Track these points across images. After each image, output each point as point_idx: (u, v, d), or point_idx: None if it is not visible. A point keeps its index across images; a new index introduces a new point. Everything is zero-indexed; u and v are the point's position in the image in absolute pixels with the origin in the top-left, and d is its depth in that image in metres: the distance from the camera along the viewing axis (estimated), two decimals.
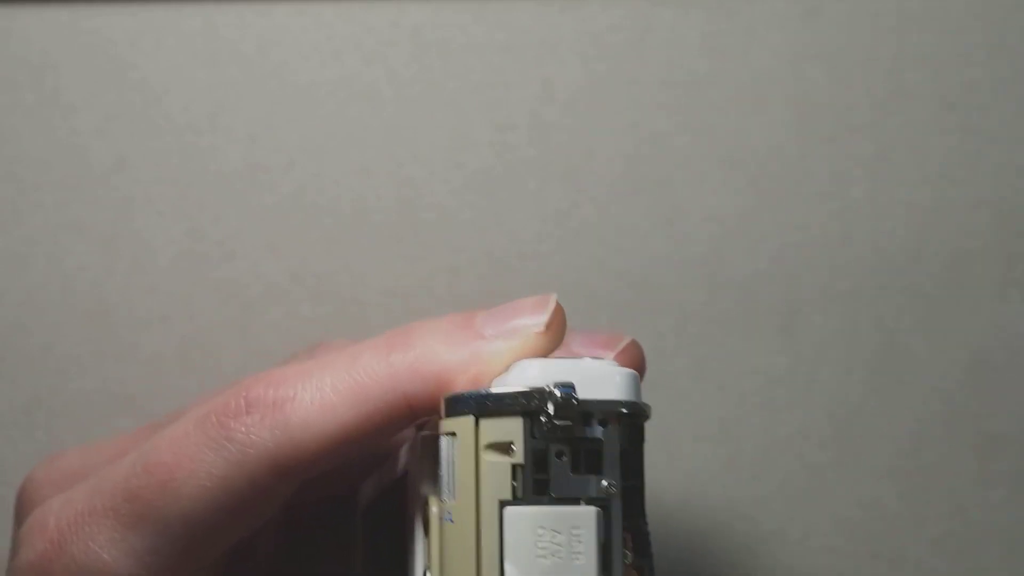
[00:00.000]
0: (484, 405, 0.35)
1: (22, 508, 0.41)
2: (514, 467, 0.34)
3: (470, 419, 0.35)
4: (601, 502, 0.35)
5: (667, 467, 0.52)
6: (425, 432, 0.38)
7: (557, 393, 0.34)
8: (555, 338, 0.37)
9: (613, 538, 0.35)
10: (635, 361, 0.39)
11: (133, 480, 0.37)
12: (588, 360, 0.36)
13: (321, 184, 0.50)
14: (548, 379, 0.35)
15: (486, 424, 0.35)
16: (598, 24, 0.51)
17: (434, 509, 0.36)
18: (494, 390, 0.35)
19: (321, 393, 0.36)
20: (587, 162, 0.51)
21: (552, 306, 0.37)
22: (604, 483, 0.35)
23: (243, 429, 0.36)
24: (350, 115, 0.50)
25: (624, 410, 0.35)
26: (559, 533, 0.34)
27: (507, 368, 0.36)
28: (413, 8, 0.50)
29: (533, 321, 0.37)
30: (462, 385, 0.36)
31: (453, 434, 0.35)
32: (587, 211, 0.51)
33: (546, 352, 0.37)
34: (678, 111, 0.51)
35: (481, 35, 0.51)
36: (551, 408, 0.34)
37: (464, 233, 0.51)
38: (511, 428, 0.35)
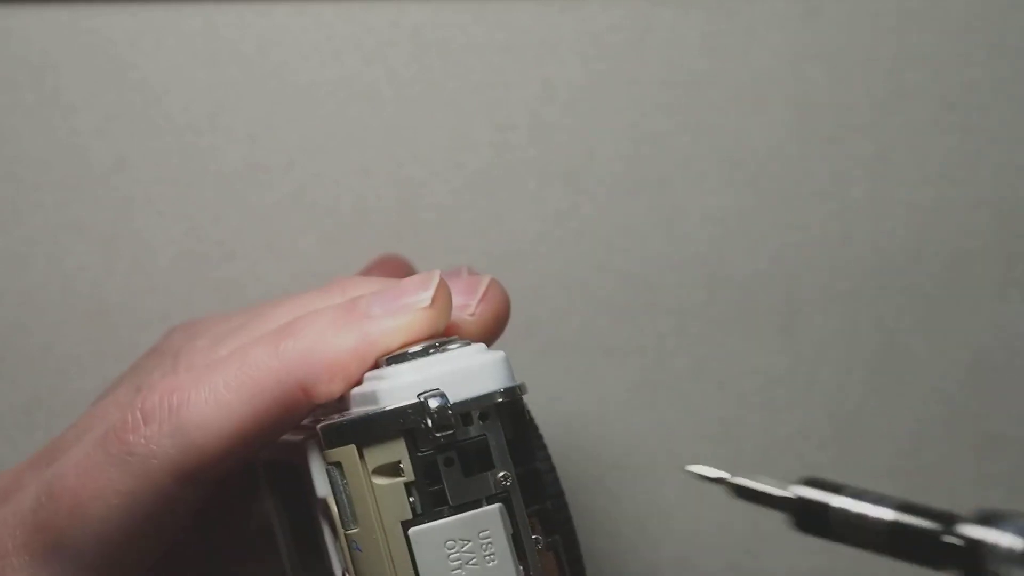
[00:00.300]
0: (363, 432, 0.34)
1: None
2: (407, 485, 0.34)
3: (352, 448, 0.35)
4: (500, 496, 0.35)
5: (667, 467, 0.52)
6: (304, 435, 0.37)
7: (432, 405, 0.34)
8: (441, 313, 0.37)
9: (521, 528, 0.35)
10: (497, 304, 0.39)
11: (40, 511, 0.37)
12: (454, 350, 0.36)
13: (321, 184, 0.50)
14: (419, 387, 0.34)
15: (369, 452, 0.34)
16: (598, 24, 0.51)
17: (338, 524, 0.36)
18: (369, 413, 0.35)
19: (215, 393, 0.36)
20: (587, 162, 0.51)
21: (436, 282, 0.37)
22: (499, 476, 0.35)
23: (143, 441, 0.36)
24: (350, 115, 0.50)
25: (500, 399, 0.35)
26: (468, 541, 0.34)
27: (395, 348, 0.36)
28: (413, 8, 0.50)
29: (418, 298, 0.37)
30: (355, 368, 0.36)
31: (338, 464, 0.35)
32: (587, 211, 0.51)
33: (434, 327, 0.37)
34: (678, 111, 0.51)
35: (481, 35, 0.51)
36: (429, 423, 0.34)
37: (464, 233, 0.51)
38: (395, 449, 0.34)
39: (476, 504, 0.34)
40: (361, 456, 0.34)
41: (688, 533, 0.52)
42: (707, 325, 0.52)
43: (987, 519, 0.29)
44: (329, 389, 0.36)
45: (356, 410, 0.36)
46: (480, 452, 0.35)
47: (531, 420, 0.37)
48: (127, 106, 0.50)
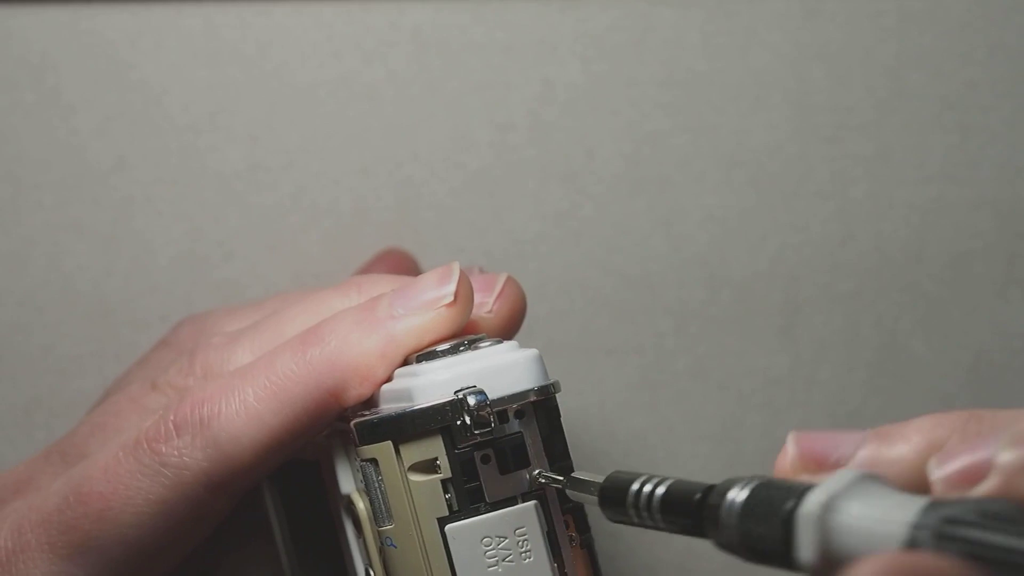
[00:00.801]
0: (399, 429, 0.35)
1: None
2: (443, 482, 0.34)
3: (388, 445, 0.35)
4: (536, 493, 0.35)
5: (667, 467, 0.52)
6: (326, 432, 0.38)
7: (471, 402, 0.34)
8: (464, 308, 0.37)
9: (556, 525, 0.35)
10: (514, 301, 0.39)
11: (67, 512, 0.37)
12: (486, 348, 0.36)
13: (321, 184, 0.50)
14: (454, 384, 0.34)
15: (406, 447, 0.35)
16: (598, 24, 0.51)
17: (365, 520, 0.36)
18: (406, 410, 0.35)
19: (246, 405, 0.36)
20: (587, 162, 0.51)
21: (456, 275, 0.37)
22: (535, 473, 0.35)
23: (176, 453, 0.36)
24: (350, 115, 0.50)
25: (536, 397, 0.35)
26: (504, 538, 0.34)
27: (419, 350, 0.36)
28: (413, 8, 0.50)
29: (440, 293, 0.37)
30: (383, 370, 0.36)
31: (374, 460, 0.35)
32: (587, 211, 0.51)
33: (458, 323, 0.37)
34: (678, 111, 0.51)
35: (481, 35, 0.51)
36: (468, 420, 0.34)
37: (464, 233, 0.51)
38: (432, 446, 0.34)
39: (512, 501, 0.35)
40: (397, 452, 0.35)
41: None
42: (707, 325, 0.52)
43: (730, 482, 0.29)
44: (359, 393, 0.36)
45: (388, 407, 0.36)
46: (516, 449, 0.35)
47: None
48: (127, 106, 0.50)
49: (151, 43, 0.50)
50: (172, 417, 0.37)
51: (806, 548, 0.28)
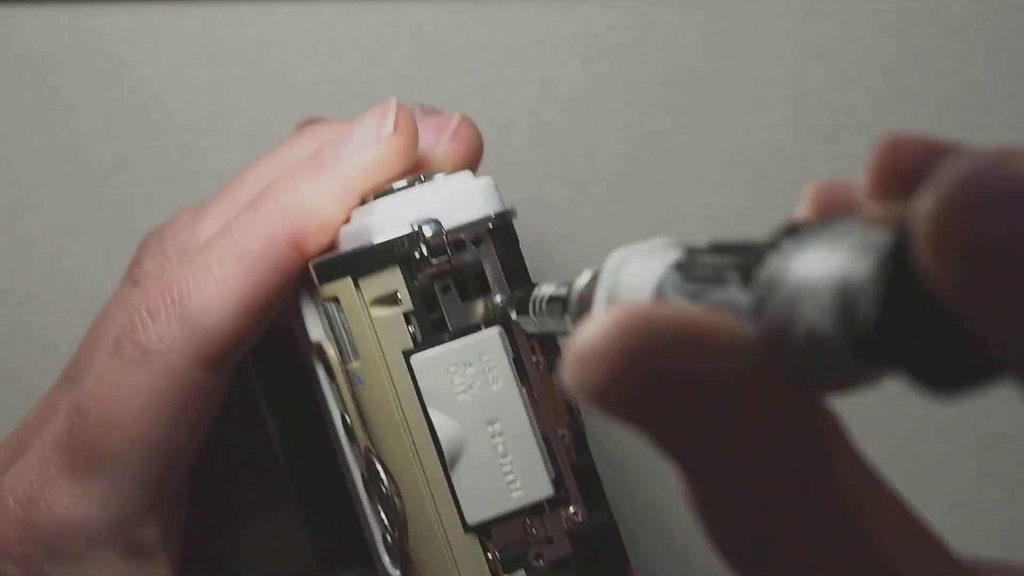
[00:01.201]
0: (358, 264, 0.35)
1: None
2: (406, 315, 0.34)
3: (348, 281, 0.35)
4: (500, 320, 0.35)
5: (667, 467, 0.51)
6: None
7: (427, 232, 0.34)
8: (407, 136, 0.37)
9: (522, 351, 0.35)
10: (470, 139, 0.39)
11: (73, 432, 0.37)
12: (440, 179, 0.36)
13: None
14: (410, 217, 0.34)
15: (365, 282, 0.35)
16: (598, 24, 0.51)
17: (336, 364, 0.36)
18: (362, 246, 0.35)
19: (211, 275, 0.37)
20: (587, 162, 0.51)
21: (393, 107, 0.37)
22: (497, 300, 0.35)
23: (156, 339, 0.37)
24: (350, 115, 0.50)
25: (492, 224, 0.35)
26: (470, 365, 0.34)
27: (369, 196, 0.36)
28: (413, 8, 0.50)
29: (380, 126, 0.37)
30: (338, 213, 0.36)
31: (336, 299, 0.35)
32: (587, 211, 0.51)
33: (405, 154, 0.37)
34: (678, 111, 0.51)
35: (481, 35, 0.51)
36: (424, 250, 0.34)
37: None
38: (392, 279, 0.34)
39: (475, 329, 0.35)
40: (357, 288, 0.35)
41: (688, 533, 0.52)
42: None
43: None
44: (318, 240, 0.37)
45: (347, 247, 0.36)
46: (476, 277, 0.35)
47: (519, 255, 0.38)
48: (127, 106, 0.50)
49: (151, 43, 0.50)
50: (145, 305, 0.37)
51: (597, 303, 0.27)
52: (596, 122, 0.51)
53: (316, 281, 0.35)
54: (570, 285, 0.30)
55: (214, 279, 0.37)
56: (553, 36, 0.51)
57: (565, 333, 0.31)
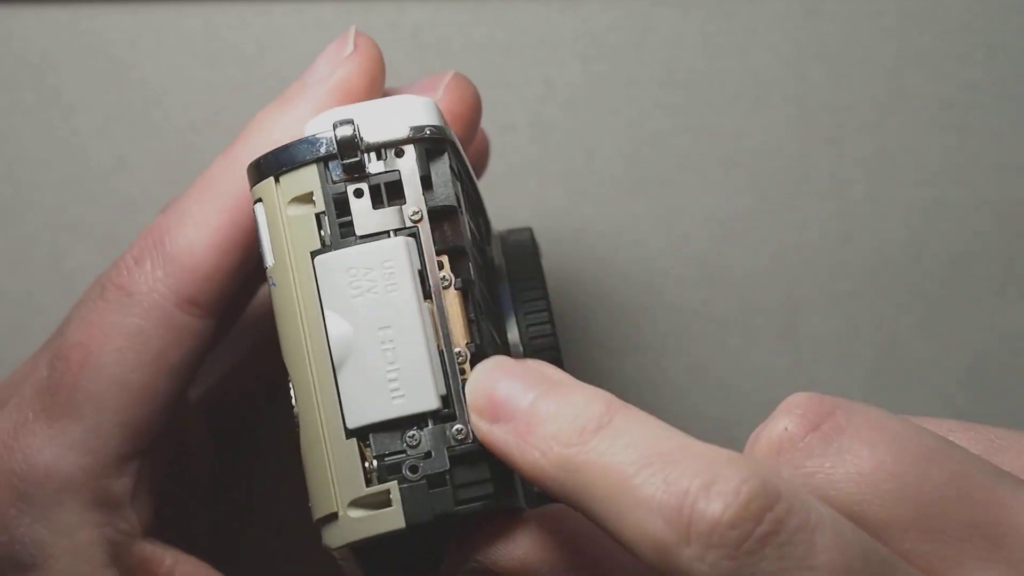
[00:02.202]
0: (278, 162, 0.35)
1: None
2: (318, 216, 0.34)
3: (270, 181, 0.35)
4: (409, 231, 0.35)
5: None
6: None
7: (338, 134, 0.34)
8: (368, 56, 0.38)
9: (428, 263, 0.35)
10: (464, 95, 0.40)
11: (53, 374, 0.37)
12: (390, 98, 0.36)
13: None
14: (333, 121, 0.34)
15: (284, 180, 0.35)
16: (598, 24, 0.51)
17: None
18: (282, 144, 0.35)
19: (189, 215, 0.37)
20: (587, 162, 0.51)
21: (352, 32, 0.38)
22: (410, 211, 0.35)
23: (140, 280, 0.37)
24: None
25: (416, 135, 0.35)
26: (371, 270, 0.34)
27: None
28: (413, 8, 0.50)
29: (340, 51, 0.38)
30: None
31: (260, 200, 0.35)
32: (587, 211, 0.51)
33: (368, 72, 0.37)
34: (678, 111, 0.51)
35: (481, 35, 0.51)
36: (335, 148, 0.34)
37: None
38: (307, 177, 0.34)
39: (383, 236, 0.34)
40: (278, 184, 0.35)
41: None
42: (707, 325, 0.52)
43: None
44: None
45: None
46: (392, 186, 0.35)
47: (540, 272, 0.39)
48: (127, 106, 0.50)
49: (151, 43, 0.50)
50: (130, 252, 0.37)
51: None
52: (596, 122, 0.51)
53: (249, 183, 0.35)
54: None
55: (193, 219, 0.37)
56: (553, 36, 0.51)
57: None
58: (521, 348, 0.39)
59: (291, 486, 0.38)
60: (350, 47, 0.38)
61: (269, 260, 0.35)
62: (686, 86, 0.51)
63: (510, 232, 0.43)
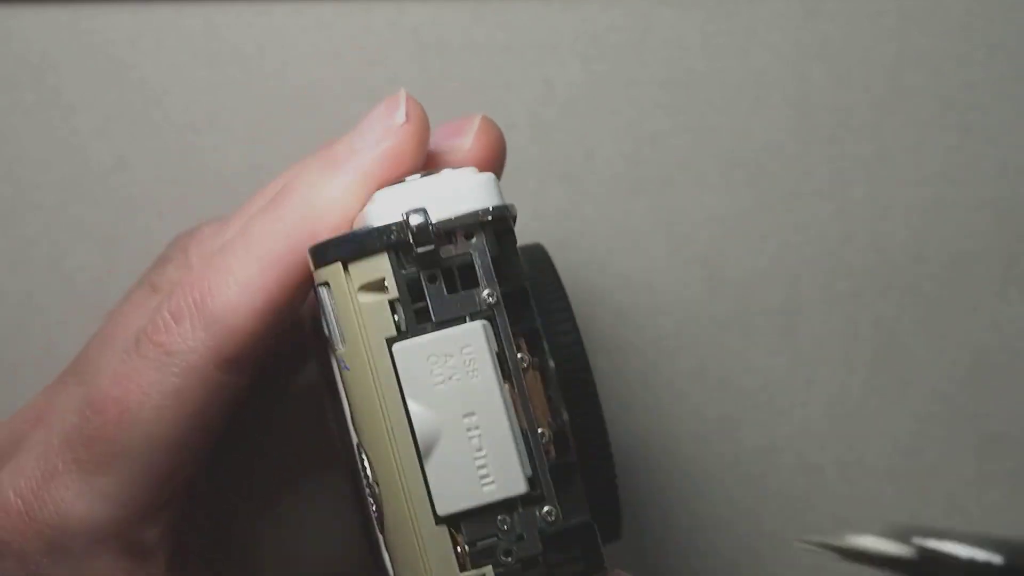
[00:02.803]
0: (347, 249, 0.35)
1: None
2: (391, 303, 0.35)
3: (338, 266, 0.35)
4: (485, 314, 0.35)
5: (667, 467, 0.52)
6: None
7: (413, 221, 0.34)
8: (419, 126, 0.37)
9: (506, 346, 0.35)
10: (492, 139, 0.40)
11: (87, 427, 0.37)
12: (446, 173, 0.36)
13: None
14: (403, 207, 0.35)
15: (354, 268, 0.35)
16: (598, 24, 0.51)
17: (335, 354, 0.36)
18: (353, 231, 0.35)
19: (232, 275, 0.37)
20: (587, 162, 0.51)
21: (403, 98, 0.37)
22: (484, 294, 0.35)
23: (179, 339, 0.37)
24: (350, 115, 0.50)
25: (485, 217, 0.35)
26: (451, 356, 0.34)
27: (385, 180, 0.36)
28: (413, 8, 0.50)
29: (391, 117, 0.37)
30: (354, 206, 0.36)
31: (327, 284, 0.35)
32: (587, 211, 0.51)
33: (417, 141, 0.37)
34: (678, 111, 0.51)
35: (481, 35, 0.51)
36: (411, 238, 0.34)
37: None
38: (379, 265, 0.35)
39: (460, 321, 0.34)
40: (347, 272, 0.35)
41: (688, 533, 0.52)
42: (707, 325, 0.52)
43: None
44: (336, 235, 0.36)
45: None
46: (465, 270, 0.35)
47: (560, 286, 0.39)
48: (127, 106, 0.50)
49: (151, 43, 0.50)
50: (167, 307, 0.37)
51: None
52: (596, 122, 0.51)
53: (311, 265, 0.36)
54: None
55: (236, 280, 0.37)
56: (553, 36, 0.51)
57: None
58: (551, 362, 0.39)
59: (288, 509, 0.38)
60: (402, 116, 0.37)
61: (340, 345, 0.35)
62: (686, 86, 0.51)
63: (522, 249, 0.43)
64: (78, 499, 0.37)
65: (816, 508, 0.52)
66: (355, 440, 0.36)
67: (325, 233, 0.36)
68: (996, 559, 0.31)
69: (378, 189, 0.37)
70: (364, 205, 0.37)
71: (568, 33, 0.51)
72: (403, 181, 0.36)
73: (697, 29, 0.51)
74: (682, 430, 0.52)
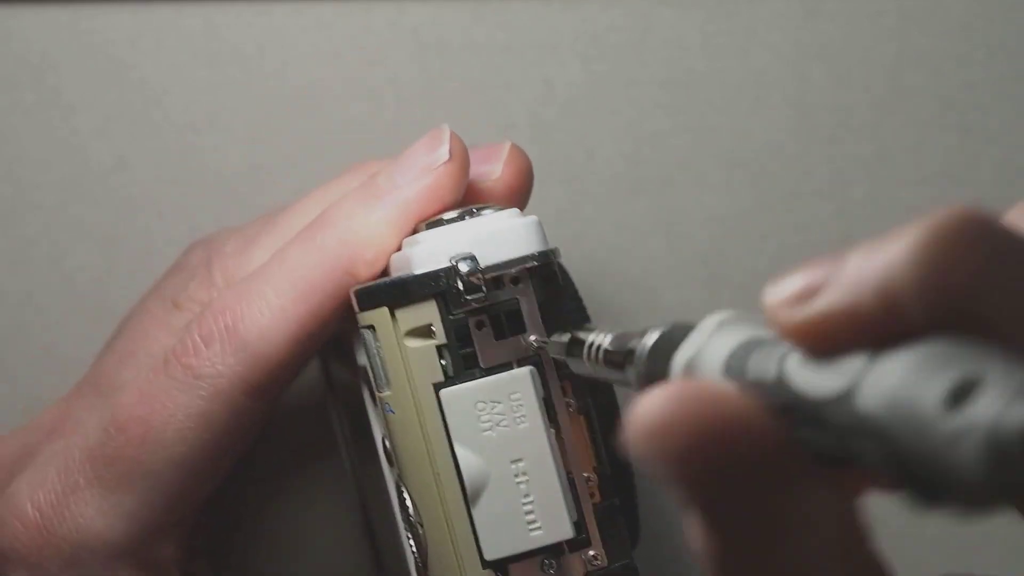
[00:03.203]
0: (395, 295, 0.35)
1: None
2: (438, 348, 0.35)
3: (384, 311, 0.35)
4: (531, 359, 0.35)
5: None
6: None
7: (463, 269, 0.34)
8: (461, 165, 0.37)
9: (552, 391, 0.35)
10: (521, 167, 0.40)
11: (110, 444, 0.37)
12: (489, 215, 0.36)
13: (321, 184, 0.50)
14: (451, 251, 0.34)
15: (402, 313, 0.35)
16: (598, 24, 0.51)
17: (374, 392, 0.36)
18: (401, 276, 0.35)
19: (267, 302, 0.37)
20: (587, 162, 0.51)
21: (447, 134, 0.37)
22: (531, 340, 0.35)
23: (208, 363, 0.37)
24: (350, 115, 0.50)
25: (533, 263, 0.35)
26: (499, 402, 0.34)
27: (419, 224, 0.36)
28: (413, 8, 0.50)
29: (436, 155, 0.37)
30: (392, 241, 0.36)
31: (372, 327, 0.35)
32: (587, 211, 0.51)
33: (458, 181, 0.37)
34: (678, 111, 0.51)
35: (481, 35, 0.51)
36: (460, 286, 0.34)
37: None
38: (427, 312, 0.35)
39: (507, 367, 0.35)
40: (393, 318, 0.35)
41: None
42: None
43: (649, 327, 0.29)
44: (372, 267, 0.37)
45: (395, 275, 0.36)
46: (512, 315, 0.35)
47: (575, 293, 0.38)
48: (127, 106, 0.50)
49: (151, 43, 0.50)
50: (198, 330, 0.37)
51: (674, 368, 0.28)
52: (596, 122, 0.51)
53: (356, 307, 0.35)
54: (635, 341, 0.30)
55: (269, 307, 0.37)
56: (553, 36, 0.51)
57: (622, 383, 0.31)
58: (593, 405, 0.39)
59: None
60: (445, 154, 0.37)
61: (385, 388, 0.35)
62: (686, 86, 0.51)
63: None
64: (98, 516, 0.37)
65: None
66: (393, 473, 0.36)
67: (362, 266, 0.36)
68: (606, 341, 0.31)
69: (416, 224, 0.36)
70: (401, 239, 0.36)
71: (568, 33, 0.51)
72: (442, 218, 0.36)
73: (697, 29, 0.51)
74: None
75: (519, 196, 0.39)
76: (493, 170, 0.39)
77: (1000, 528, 0.53)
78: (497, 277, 0.35)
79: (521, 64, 0.51)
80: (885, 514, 0.53)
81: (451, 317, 0.34)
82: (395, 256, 0.36)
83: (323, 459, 0.44)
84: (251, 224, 0.43)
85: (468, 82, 0.51)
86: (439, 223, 0.36)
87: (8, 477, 0.40)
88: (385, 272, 0.37)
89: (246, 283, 0.37)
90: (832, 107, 0.52)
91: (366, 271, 0.37)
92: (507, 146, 0.39)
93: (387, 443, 0.37)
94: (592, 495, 0.35)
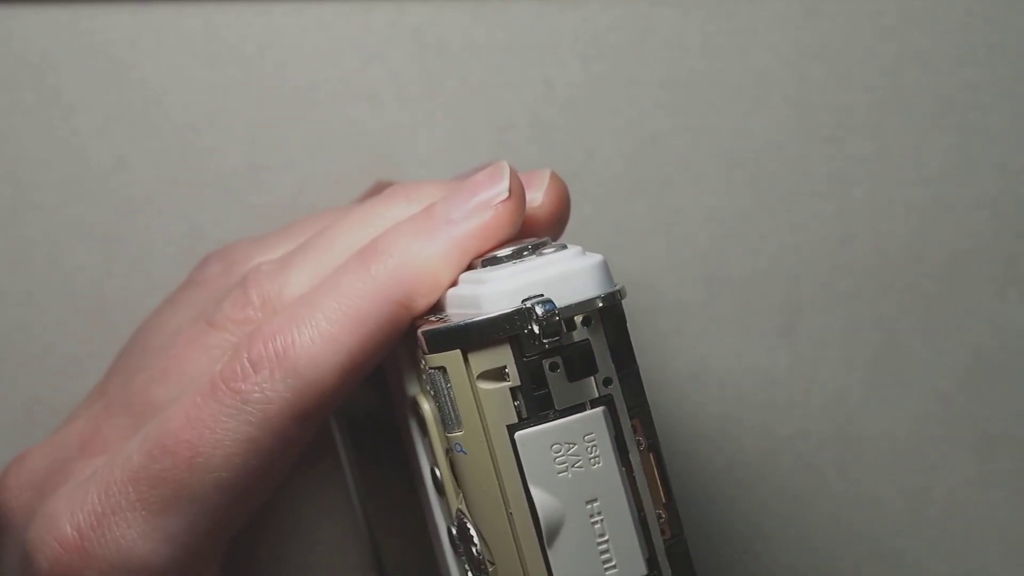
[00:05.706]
0: (468, 338, 0.34)
1: (2, 518, 0.40)
2: (512, 390, 0.34)
3: (457, 353, 0.35)
4: (604, 399, 0.35)
5: (667, 467, 0.52)
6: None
7: (539, 311, 0.34)
8: (519, 203, 0.37)
9: (624, 430, 0.35)
10: (561, 195, 0.39)
11: (155, 466, 0.37)
12: (551, 255, 0.36)
13: (321, 184, 0.50)
14: (522, 292, 0.34)
15: (475, 356, 0.35)
16: (598, 24, 0.51)
17: (431, 422, 0.36)
18: (474, 319, 0.35)
19: (319, 330, 0.36)
20: (587, 162, 0.51)
21: (507, 171, 0.37)
22: (603, 380, 0.35)
23: (257, 389, 0.36)
24: (350, 115, 0.50)
25: (603, 303, 0.35)
26: (574, 444, 0.34)
27: (477, 258, 0.36)
28: (413, 8, 0.50)
29: (494, 191, 0.37)
30: (449, 276, 0.36)
31: (443, 368, 0.35)
32: (587, 211, 0.51)
33: (516, 219, 0.37)
34: (678, 111, 0.51)
35: (481, 35, 0.51)
36: (536, 329, 0.34)
37: None
38: (501, 355, 0.34)
39: (581, 408, 0.34)
40: (466, 361, 0.34)
41: (688, 532, 0.52)
42: (707, 325, 0.52)
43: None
44: (428, 301, 0.36)
45: (454, 311, 0.36)
46: (584, 357, 0.35)
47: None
48: (127, 106, 0.50)
49: (151, 43, 0.50)
50: (246, 355, 0.37)
51: None
52: (596, 122, 0.51)
53: (424, 348, 0.35)
54: None
55: (321, 335, 0.36)
56: (553, 36, 0.51)
57: None
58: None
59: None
60: (504, 192, 0.37)
61: (455, 429, 0.35)
62: (686, 86, 0.51)
63: None
64: (141, 539, 0.37)
65: (816, 508, 0.52)
66: (443, 504, 0.36)
67: (418, 299, 0.36)
68: None
69: (472, 260, 0.36)
70: (456, 275, 0.36)
71: (568, 33, 0.51)
72: (496, 254, 0.36)
73: (697, 29, 0.51)
74: (682, 430, 0.52)
75: (560, 224, 0.39)
76: (534, 198, 0.39)
77: (1000, 528, 0.53)
78: (569, 318, 0.35)
79: (521, 64, 0.51)
80: (888, 512, 0.53)
81: (525, 359, 0.34)
82: (451, 292, 0.36)
83: (323, 459, 0.44)
84: (270, 236, 0.43)
85: (468, 82, 0.51)
86: (496, 260, 0.36)
87: (38, 495, 0.39)
88: (438, 306, 0.37)
89: (298, 307, 0.37)
90: (832, 107, 0.52)
91: (421, 304, 0.36)
92: (547, 173, 0.39)
93: (437, 472, 0.37)
94: (663, 532, 0.35)
